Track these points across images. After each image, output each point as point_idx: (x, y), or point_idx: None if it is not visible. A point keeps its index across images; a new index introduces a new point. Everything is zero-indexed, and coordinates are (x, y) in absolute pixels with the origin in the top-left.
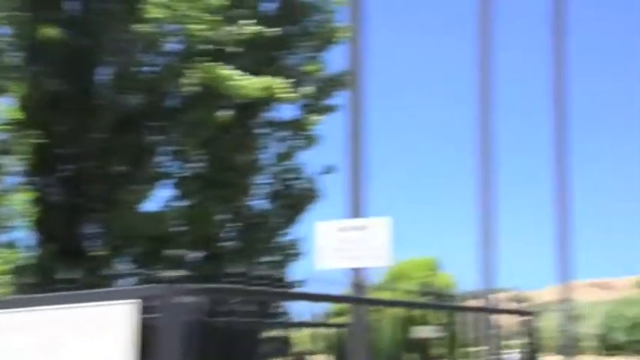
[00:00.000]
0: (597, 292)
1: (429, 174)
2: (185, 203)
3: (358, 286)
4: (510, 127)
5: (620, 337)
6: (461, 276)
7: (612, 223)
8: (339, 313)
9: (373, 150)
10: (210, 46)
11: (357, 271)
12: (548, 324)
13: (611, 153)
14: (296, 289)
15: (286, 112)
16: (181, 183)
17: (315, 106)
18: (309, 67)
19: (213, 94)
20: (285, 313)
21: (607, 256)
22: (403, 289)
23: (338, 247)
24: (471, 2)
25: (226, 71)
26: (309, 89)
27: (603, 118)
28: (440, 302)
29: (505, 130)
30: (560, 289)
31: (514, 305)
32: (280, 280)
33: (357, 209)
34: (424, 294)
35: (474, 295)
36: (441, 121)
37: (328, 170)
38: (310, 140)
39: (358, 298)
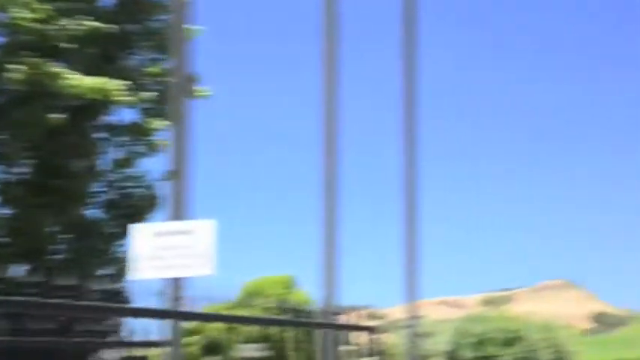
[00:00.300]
0: (447, 309)
1: (281, 188)
2: (10, 211)
3: (175, 298)
4: (359, 146)
5: (467, 354)
6: (317, 294)
7: (463, 245)
8: (194, 332)
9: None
10: (40, 40)
11: (176, 281)
12: (399, 341)
13: (459, 182)
14: (119, 304)
15: (128, 116)
16: (6, 189)
17: (158, 110)
18: (152, 70)
19: (42, 92)
20: (118, 331)
21: (457, 275)
22: (256, 306)
23: (154, 255)
24: (315, 40)
25: (57, 69)
26: (150, 93)
27: (450, 151)
28: (282, 318)
29: (353, 147)
30: (409, 308)
31: (365, 322)
32: (116, 293)
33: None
34: (278, 311)
35: (329, 313)
36: (287, 140)
37: (170, 177)
38: (153, 146)
39: (172, 311)
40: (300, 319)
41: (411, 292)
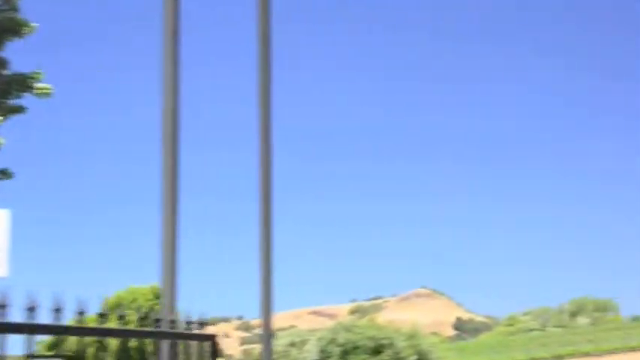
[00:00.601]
0: (319, 319)
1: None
2: None
3: None
4: (216, 151)
5: None
6: (188, 304)
7: (336, 255)
8: (54, 345)
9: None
10: None
11: None
12: (273, 349)
13: (328, 196)
14: None
15: None
16: None
17: None
18: None
19: None
20: None
21: (329, 286)
22: (122, 317)
23: None
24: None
25: None
26: None
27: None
28: (105, 328)
29: (209, 151)
30: (265, 319)
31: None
32: None
33: None
34: (143, 322)
35: (200, 323)
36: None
37: (3, 175)
38: None
39: None
40: (127, 329)
41: (267, 304)
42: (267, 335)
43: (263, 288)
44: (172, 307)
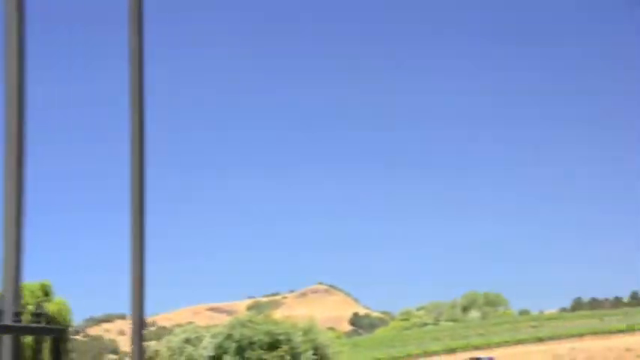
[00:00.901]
0: (217, 315)
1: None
2: None
3: None
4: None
5: (231, 358)
6: (80, 302)
7: (233, 252)
8: None
9: None
10: None
11: None
12: (168, 346)
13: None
14: None
15: None
16: None
17: None
18: None
19: None
20: None
21: (229, 282)
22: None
23: None
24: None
25: None
26: None
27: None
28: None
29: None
30: (135, 315)
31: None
32: None
33: None
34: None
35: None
36: None
37: None
38: None
39: None
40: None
41: (138, 301)
42: (138, 332)
43: (133, 284)
44: (11, 300)
